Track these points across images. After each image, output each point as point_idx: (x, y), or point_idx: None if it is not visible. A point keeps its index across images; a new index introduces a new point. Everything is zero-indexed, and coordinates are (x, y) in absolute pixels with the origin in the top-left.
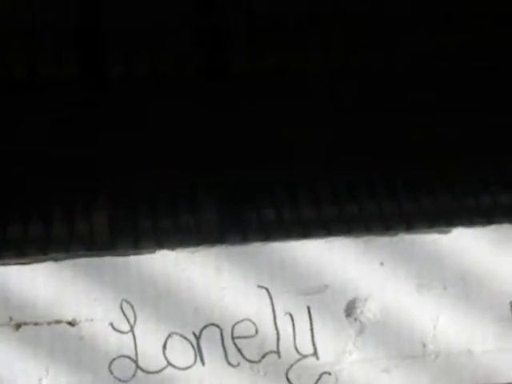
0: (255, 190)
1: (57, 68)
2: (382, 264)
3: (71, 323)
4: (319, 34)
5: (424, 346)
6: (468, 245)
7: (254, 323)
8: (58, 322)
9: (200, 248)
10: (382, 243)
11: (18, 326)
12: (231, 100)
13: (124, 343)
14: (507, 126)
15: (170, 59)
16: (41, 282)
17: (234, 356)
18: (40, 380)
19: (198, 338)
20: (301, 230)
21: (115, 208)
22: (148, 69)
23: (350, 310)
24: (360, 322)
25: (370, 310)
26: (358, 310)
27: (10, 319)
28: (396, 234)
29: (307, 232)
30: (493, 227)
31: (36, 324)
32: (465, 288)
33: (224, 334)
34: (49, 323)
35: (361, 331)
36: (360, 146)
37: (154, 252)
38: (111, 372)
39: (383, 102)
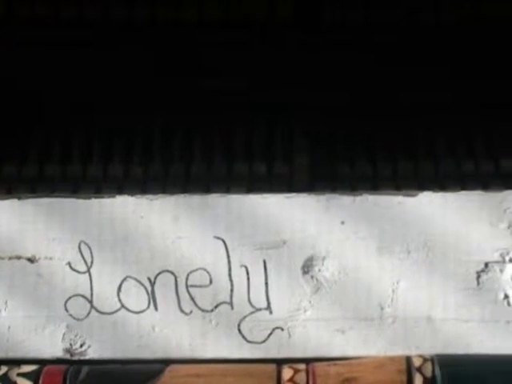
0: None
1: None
2: (342, 223)
3: (31, 260)
4: None
5: (382, 309)
6: (435, 210)
7: (208, 273)
8: (18, 257)
9: (159, 196)
10: (344, 202)
11: None
12: None
13: (80, 283)
14: None
15: None
16: (3, 218)
17: (186, 304)
18: None
19: (152, 283)
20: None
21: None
22: None
23: (307, 267)
24: (317, 280)
25: (327, 269)
26: (316, 268)
27: None
28: (360, 194)
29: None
30: (463, 194)
31: None
32: (429, 254)
33: (178, 282)
34: (10, 258)
35: (317, 289)
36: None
37: (114, 197)
38: (66, 309)
39: None
